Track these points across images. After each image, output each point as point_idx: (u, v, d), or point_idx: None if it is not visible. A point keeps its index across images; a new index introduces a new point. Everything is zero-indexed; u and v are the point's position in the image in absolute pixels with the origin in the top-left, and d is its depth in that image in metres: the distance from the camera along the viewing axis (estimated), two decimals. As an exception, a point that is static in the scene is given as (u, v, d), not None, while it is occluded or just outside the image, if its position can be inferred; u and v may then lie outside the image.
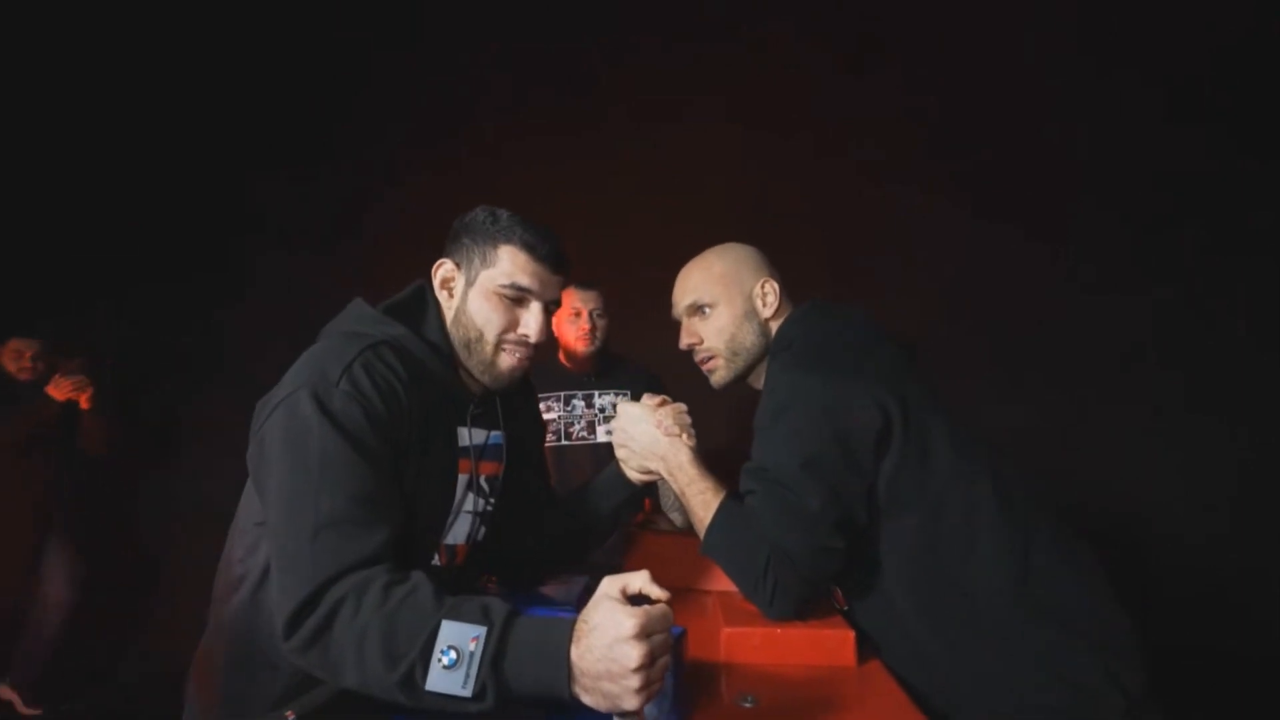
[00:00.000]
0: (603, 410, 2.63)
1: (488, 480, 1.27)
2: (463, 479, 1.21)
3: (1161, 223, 3.66)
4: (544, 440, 1.55)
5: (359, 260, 3.54)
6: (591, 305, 2.59)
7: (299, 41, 3.80)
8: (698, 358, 1.45)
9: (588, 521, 1.41)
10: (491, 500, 1.28)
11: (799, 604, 1.13)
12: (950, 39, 3.71)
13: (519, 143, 3.75)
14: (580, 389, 2.63)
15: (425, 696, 0.82)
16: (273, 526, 0.99)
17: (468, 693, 0.80)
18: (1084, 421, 3.59)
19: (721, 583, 1.33)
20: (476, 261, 1.20)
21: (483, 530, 1.28)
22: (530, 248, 1.19)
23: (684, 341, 1.46)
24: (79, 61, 3.62)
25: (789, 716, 0.91)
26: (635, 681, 0.77)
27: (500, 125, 3.81)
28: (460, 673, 0.80)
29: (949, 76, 3.72)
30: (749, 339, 1.40)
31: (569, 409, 2.59)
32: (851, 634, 1.09)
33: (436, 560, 1.19)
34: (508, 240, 1.19)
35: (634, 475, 1.37)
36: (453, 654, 0.81)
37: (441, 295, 1.24)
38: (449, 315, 1.22)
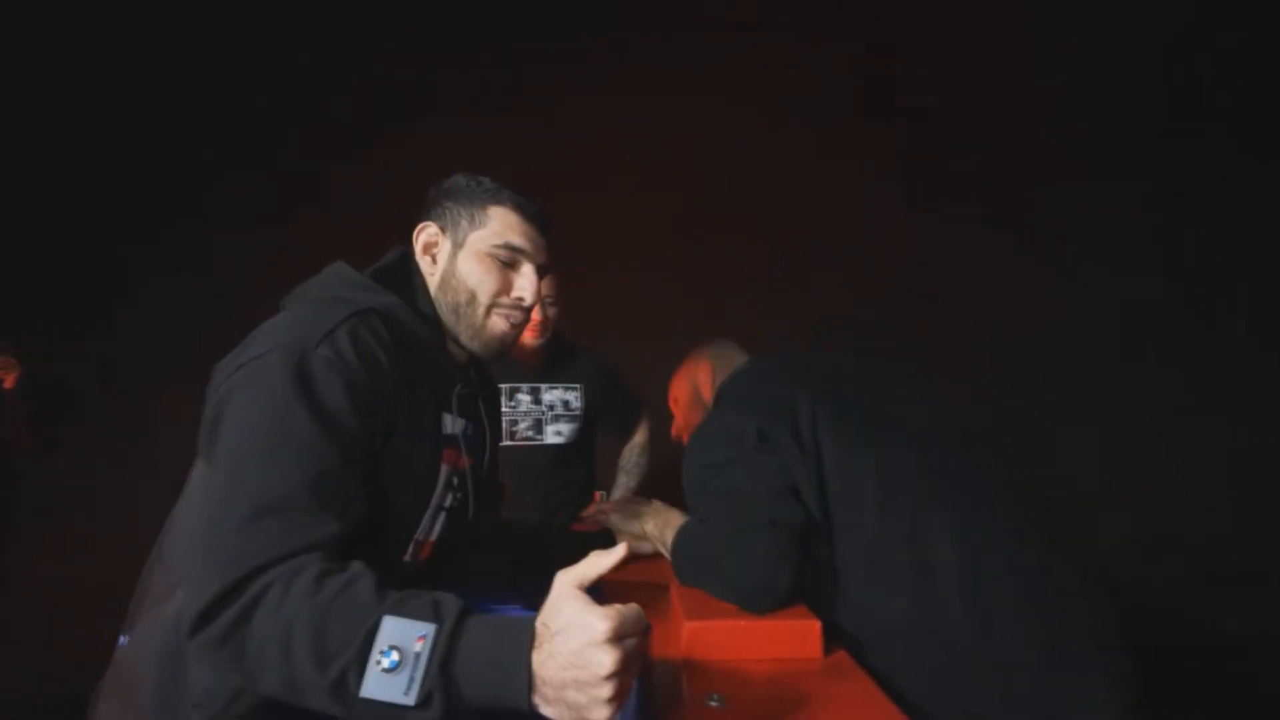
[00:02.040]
0: (551, 407, 2.35)
1: (458, 472, 1.18)
2: (444, 470, 1.12)
3: (1161, 223, 3.65)
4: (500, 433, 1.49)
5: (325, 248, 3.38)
6: (544, 293, 2.23)
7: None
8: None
9: (543, 559, 1.32)
10: (459, 494, 1.19)
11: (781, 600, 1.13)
12: (950, 39, 3.70)
13: (515, 139, 3.70)
14: (525, 382, 2.34)
15: (359, 704, 0.71)
16: (206, 499, 0.86)
17: (411, 700, 0.69)
18: (1084, 421, 3.58)
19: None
20: (464, 223, 1.13)
21: (446, 525, 1.20)
22: (520, 208, 1.14)
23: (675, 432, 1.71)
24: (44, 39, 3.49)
25: (759, 715, 0.88)
26: (606, 691, 0.68)
27: (496, 122, 3.75)
28: (403, 677, 0.69)
29: (949, 76, 3.71)
30: (698, 417, 1.59)
31: (512, 404, 2.32)
32: (817, 624, 1.07)
33: (409, 557, 1.10)
34: (497, 201, 1.13)
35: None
36: (395, 655, 0.70)
37: (424, 261, 1.15)
38: (434, 281, 1.14)
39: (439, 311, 1.13)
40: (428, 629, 0.72)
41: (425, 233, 1.15)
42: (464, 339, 1.14)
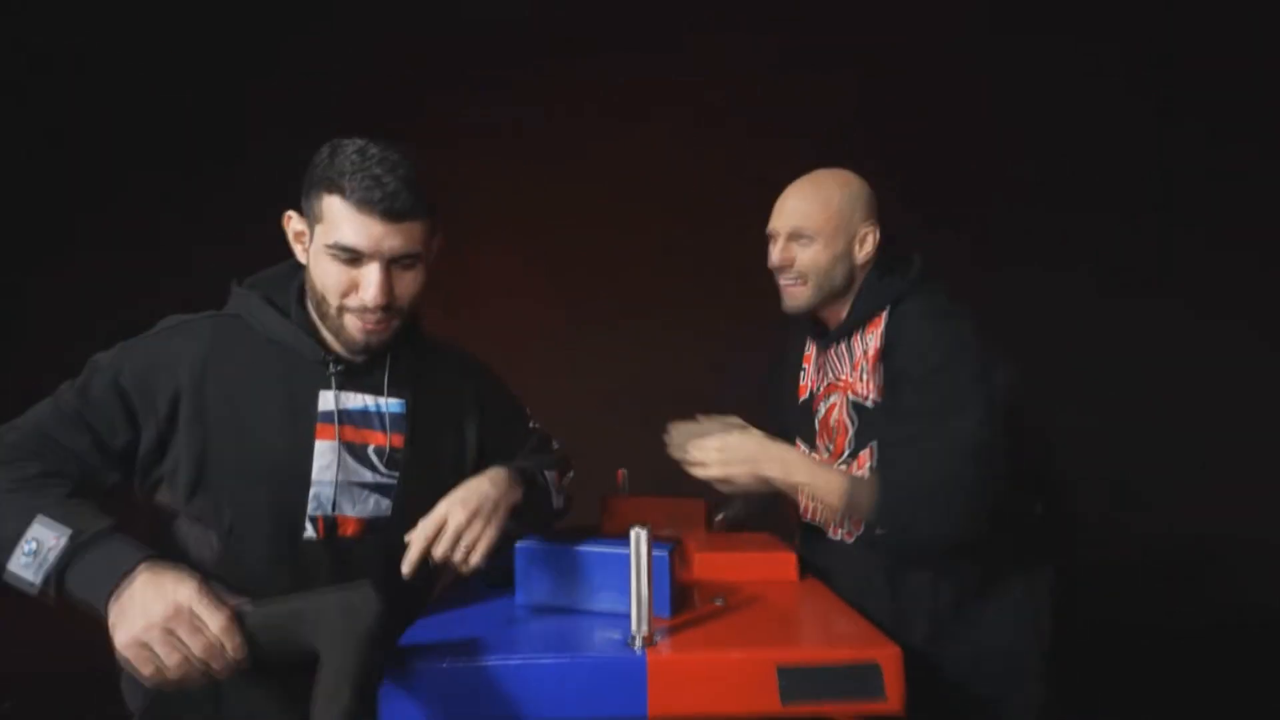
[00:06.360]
0: None
1: (379, 451, 1.13)
2: (326, 445, 1.08)
3: (1161, 223, 3.70)
4: (516, 426, 1.36)
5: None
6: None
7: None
8: (783, 277, 1.43)
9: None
10: (391, 473, 1.14)
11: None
12: (947, 43, 3.74)
13: (515, 138, 3.81)
14: None
15: (6, 575, 0.88)
16: None
17: (37, 582, 0.86)
18: (1083, 421, 3.46)
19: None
20: (311, 213, 1.05)
21: (387, 505, 1.14)
22: (349, 195, 0.99)
23: (776, 259, 1.42)
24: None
25: (751, 610, 1.15)
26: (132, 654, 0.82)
27: (495, 121, 3.80)
28: (35, 564, 0.87)
29: (947, 78, 3.74)
30: (838, 280, 1.40)
31: None
32: (794, 555, 1.34)
33: (312, 533, 1.08)
34: (329, 188, 1.01)
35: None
36: (33, 545, 0.87)
37: (298, 250, 1.11)
38: (309, 275, 1.10)
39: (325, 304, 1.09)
40: (64, 533, 0.87)
41: (291, 223, 1.11)
42: (335, 337, 1.11)
